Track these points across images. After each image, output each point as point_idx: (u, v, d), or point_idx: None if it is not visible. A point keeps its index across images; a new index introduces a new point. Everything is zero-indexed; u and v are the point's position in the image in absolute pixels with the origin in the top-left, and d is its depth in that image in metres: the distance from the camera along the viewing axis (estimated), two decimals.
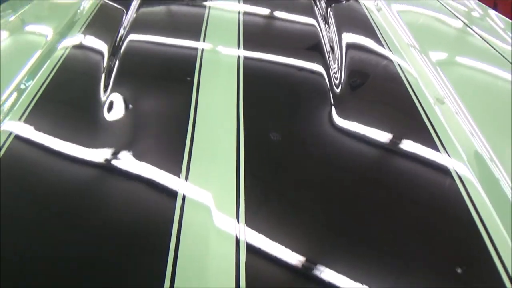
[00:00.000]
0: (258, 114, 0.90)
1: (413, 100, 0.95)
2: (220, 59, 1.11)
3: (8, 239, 0.66)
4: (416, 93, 0.98)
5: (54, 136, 0.87)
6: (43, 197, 0.74)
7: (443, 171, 0.77)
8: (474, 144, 0.83)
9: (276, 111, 0.92)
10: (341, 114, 0.90)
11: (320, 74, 1.05)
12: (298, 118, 0.90)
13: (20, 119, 0.93)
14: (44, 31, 1.41)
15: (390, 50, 1.19)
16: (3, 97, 1.03)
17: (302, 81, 1.05)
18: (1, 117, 0.95)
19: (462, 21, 1.40)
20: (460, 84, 1.04)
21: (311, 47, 1.20)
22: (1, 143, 0.85)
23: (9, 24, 1.51)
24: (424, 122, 0.88)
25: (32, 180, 0.78)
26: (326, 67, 1.07)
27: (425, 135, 0.84)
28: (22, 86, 1.06)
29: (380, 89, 1.04)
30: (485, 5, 1.59)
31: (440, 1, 1.58)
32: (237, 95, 0.93)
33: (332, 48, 1.19)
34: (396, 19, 1.40)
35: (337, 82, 1.04)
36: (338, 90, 0.99)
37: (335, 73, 1.07)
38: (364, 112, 0.92)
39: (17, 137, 0.88)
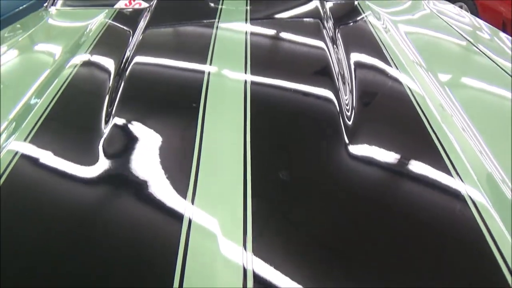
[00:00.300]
0: (266, 145, 0.87)
1: (429, 133, 0.91)
2: (227, 84, 1.10)
3: (14, 260, 0.65)
4: (431, 123, 0.95)
5: (60, 157, 0.87)
6: (47, 219, 0.73)
7: (457, 197, 0.75)
8: (485, 166, 0.82)
9: (284, 142, 0.90)
10: (353, 148, 0.87)
11: (330, 101, 1.02)
12: (307, 150, 0.87)
13: (26, 139, 0.92)
14: (52, 51, 1.43)
15: (399, 70, 1.18)
16: (11, 115, 1.03)
17: (312, 110, 1.02)
18: (6, 136, 0.94)
19: (471, 42, 1.39)
20: (470, 105, 1.02)
21: (321, 72, 1.19)
22: (7, 163, 0.84)
23: (19, 43, 1.52)
24: (442, 157, 0.85)
25: (37, 201, 0.77)
26: (337, 95, 1.04)
27: (442, 168, 0.81)
28: (29, 106, 1.06)
29: (392, 119, 1.01)
30: (492, 26, 1.58)
31: (446, 21, 1.57)
32: (244, 124, 0.91)
33: (342, 74, 1.17)
34: (404, 40, 1.39)
35: (348, 110, 1.01)
36: (349, 120, 0.97)
37: (346, 101, 1.04)
38: (377, 146, 0.88)
39: (23, 157, 0.87)
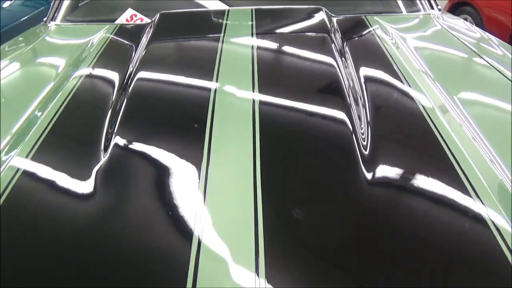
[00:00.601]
0: (278, 176, 0.82)
1: (446, 154, 0.87)
2: (234, 104, 1.05)
3: (14, 281, 0.63)
4: (447, 142, 0.91)
5: (62, 175, 0.84)
6: (50, 240, 0.70)
7: (480, 221, 0.72)
8: (507, 188, 0.79)
9: (297, 173, 0.85)
10: (369, 177, 0.82)
11: (344, 123, 0.97)
12: (322, 182, 0.82)
13: (28, 155, 0.90)
14: (54, 65, 1.40)
15: (410, 86, 1.14)
16: (14, 129, 1.00)
17: (325, 135, 0.98)
18: (8, 150, 0.92)
19: (481, 56, 1.36)
20: (488, 126, 0.99)
21: (332, 91, 1.15)
22: (9, 180, 0.82)
23: (20, 57, 1.50)
24: (465, 185, 0.81)
25: (41, 219, 0.75)
26: (350, 116, 1.00)
27: (466, 198, 0.78)
28: (32, 120, 1.04)
29: (408, 138, 0.98)
30: (503, 42, 1.55)
31: (455, 35, 1.55)
32: (253, 152, 0.86)
33: (353, 89, 1.14)
34: (414, 54, 1.36)
35: (362, 131, 0.97)
36: (364, 141, 0.92)
37: (359, 122, 1.00)
38: (396, 175, 0.84)
39: (25, 174, 0.84)
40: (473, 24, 3.33)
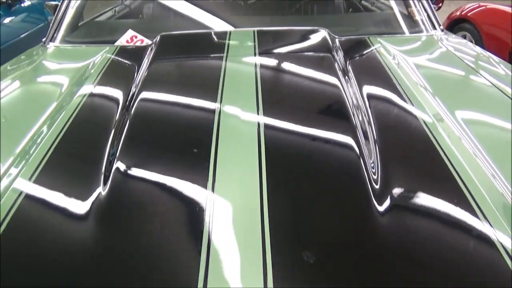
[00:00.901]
0: (285, 211, 0.80)
1: (456, 181, 0.86)
2: (239, 128, 1.04)
3: None
4: (454, 164, 0.90)
5: (66, 199, 0.83)
6: (52, 267, 0.69)
7: (490, 244, 0.72)
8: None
9: (306, 206, 0.82)
10: (380, 208, 0.81)
11: (350, 148, 0.96)
12: (332, 215, 0.80)
13: (31, 177, 0.89)
14: (56, 86, 1.39)
15: (413, 105, 1.14)
16: (18, 149, 1.00)
17: (331, 158, 0.97)
18: (11, 171, 0.92)
19: (483, 76, 1.36)
20: (494, 146, 0.99)
21: (337, 113, 1.14)
22: (12, 203, 0.81)
23: (22, 78, 1.49)
24: (471, 205, 0.80)
25: (44, 244, 0.74)
26: (356, 138, 0.99)
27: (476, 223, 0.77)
28: (35, 141, 1.03)
29: (415, 160, 0.97)
30: (506, 62, 1.56)
31: (457, 55, 1.55)
32: (259, 183, 0.84)
33: (357, 108, 1.13)
34: (417, 74, 1.36)
35: (369, 155, 0.95)
36: (372, 166, 0.91)
37: (366, 141, 0.99)
38: (404, 198, 0.83)
39: (27, 198, 0.83)
40: (472, 41, 3.35)
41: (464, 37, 3.49)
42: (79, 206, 0.81)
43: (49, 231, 0.77)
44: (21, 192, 0.84)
